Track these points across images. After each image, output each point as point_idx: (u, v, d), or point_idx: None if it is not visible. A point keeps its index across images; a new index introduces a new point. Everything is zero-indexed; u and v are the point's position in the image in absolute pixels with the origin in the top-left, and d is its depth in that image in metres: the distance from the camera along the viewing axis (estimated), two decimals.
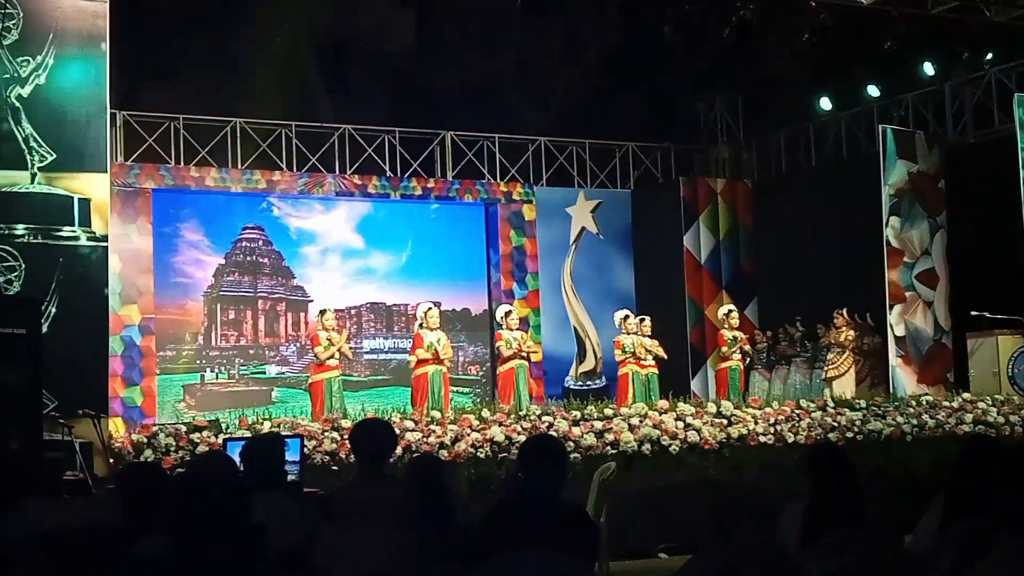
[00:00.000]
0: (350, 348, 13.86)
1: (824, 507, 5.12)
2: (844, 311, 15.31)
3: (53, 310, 11.12)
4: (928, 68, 16.15)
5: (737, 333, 15.05)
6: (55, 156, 11.47)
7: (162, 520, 3.52)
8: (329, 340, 12.93)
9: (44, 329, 10.55)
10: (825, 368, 15.38)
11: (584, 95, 18.62)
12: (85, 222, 11.53)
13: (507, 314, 14.08)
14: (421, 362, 13.18)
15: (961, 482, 5.36)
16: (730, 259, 17.97)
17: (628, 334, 14.44)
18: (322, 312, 13.29)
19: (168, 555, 3.22)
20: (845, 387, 14.73)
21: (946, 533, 4.87)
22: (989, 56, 15.89)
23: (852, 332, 15.31)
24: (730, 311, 15.31)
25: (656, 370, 14.52)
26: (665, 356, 14.64)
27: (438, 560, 4.68)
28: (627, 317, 14.69)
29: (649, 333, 14.58)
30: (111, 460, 9.97)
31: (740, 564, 4.03)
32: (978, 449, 5.54)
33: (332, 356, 12.91)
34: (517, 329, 14.06)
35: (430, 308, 13.52)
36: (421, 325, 13.39)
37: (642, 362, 14.38)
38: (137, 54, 15.35)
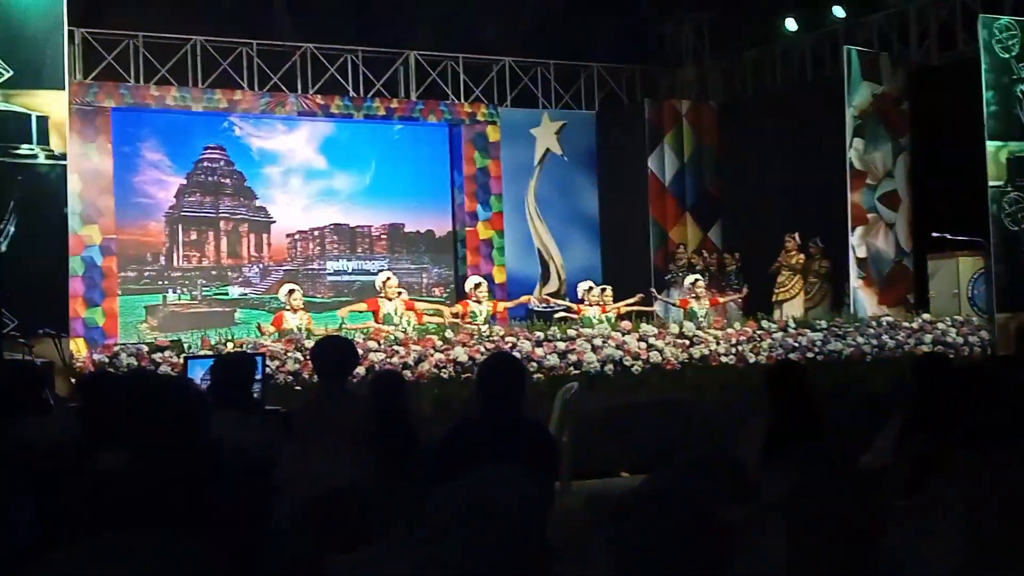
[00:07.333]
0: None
1: (784, 425, 5.20)
2: (796, 235, 15.39)
3: (12, 229, 10.98)
4: None
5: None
6: (12, 73, 11.25)
7: (120, 432, 3.51)
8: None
9: (3, 248, 10.45)
10: (775, 291, 15.44)
11: (550, 15, 18.44)
12: (43, 140, 11.34)
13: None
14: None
15: (916, 401, 5.44)
16: (695, 181, 17.95)
17: (591, 305, 13.65)
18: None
19: (127, 469, 3.21)
20: (794, 309, 14.81)
21: (901, 450, 4.94)
22: None
23: (803, 256, 15.40)
24: (695, 280, 14.26)
25: None
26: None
27: (399, 478, 4.71)
28: (590, 289, 13.87)
29: (610, 301, 13.75)
30: (72, 380, 9.93)
31: (696, 480, 4.08)
32: (933, 368, 5.63)
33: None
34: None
35: (389, 278, 12.42)
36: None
37: None
38: None
